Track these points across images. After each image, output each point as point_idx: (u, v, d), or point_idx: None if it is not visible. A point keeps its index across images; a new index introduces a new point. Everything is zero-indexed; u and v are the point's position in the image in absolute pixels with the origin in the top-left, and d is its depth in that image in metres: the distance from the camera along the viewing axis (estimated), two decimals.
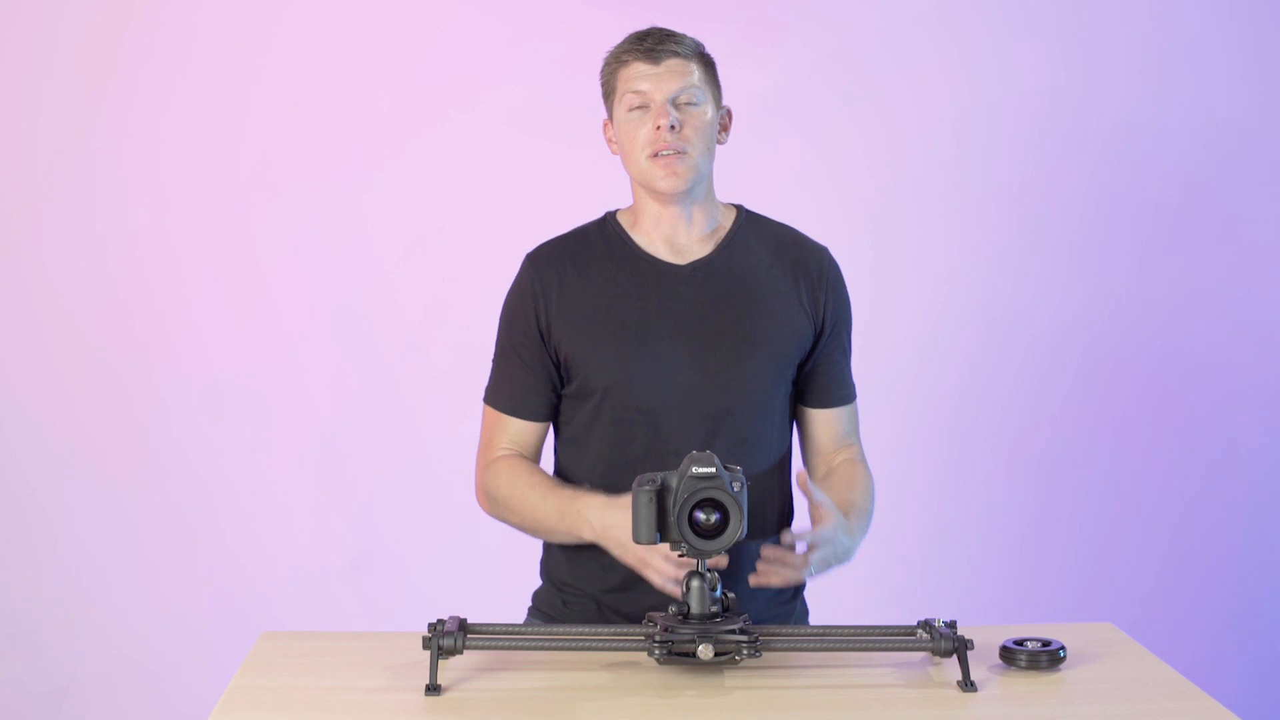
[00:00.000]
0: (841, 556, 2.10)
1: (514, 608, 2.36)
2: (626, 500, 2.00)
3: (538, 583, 2.36)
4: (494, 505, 2.25)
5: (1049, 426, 3.58)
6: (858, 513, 2.19)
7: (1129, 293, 3.56)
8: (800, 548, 2.07)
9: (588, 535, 2.12)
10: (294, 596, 3.48)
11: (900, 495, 3.51)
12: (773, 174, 3.45)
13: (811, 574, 2.07)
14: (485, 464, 2.27)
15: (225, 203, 3.45)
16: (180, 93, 3.42)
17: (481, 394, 2.30)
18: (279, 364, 3.47)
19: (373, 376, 3.50)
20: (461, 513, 3.24)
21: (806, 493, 2.06)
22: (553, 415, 2.28)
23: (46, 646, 3.47)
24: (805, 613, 2.35)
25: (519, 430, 2.26)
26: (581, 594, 2.25)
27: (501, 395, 2.26)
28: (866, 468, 2.30)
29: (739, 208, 2.32)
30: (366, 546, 3.50)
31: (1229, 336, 3.60)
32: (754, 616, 2.13)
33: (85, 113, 3.41)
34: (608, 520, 2.08)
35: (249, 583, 3.48)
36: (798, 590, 2.32)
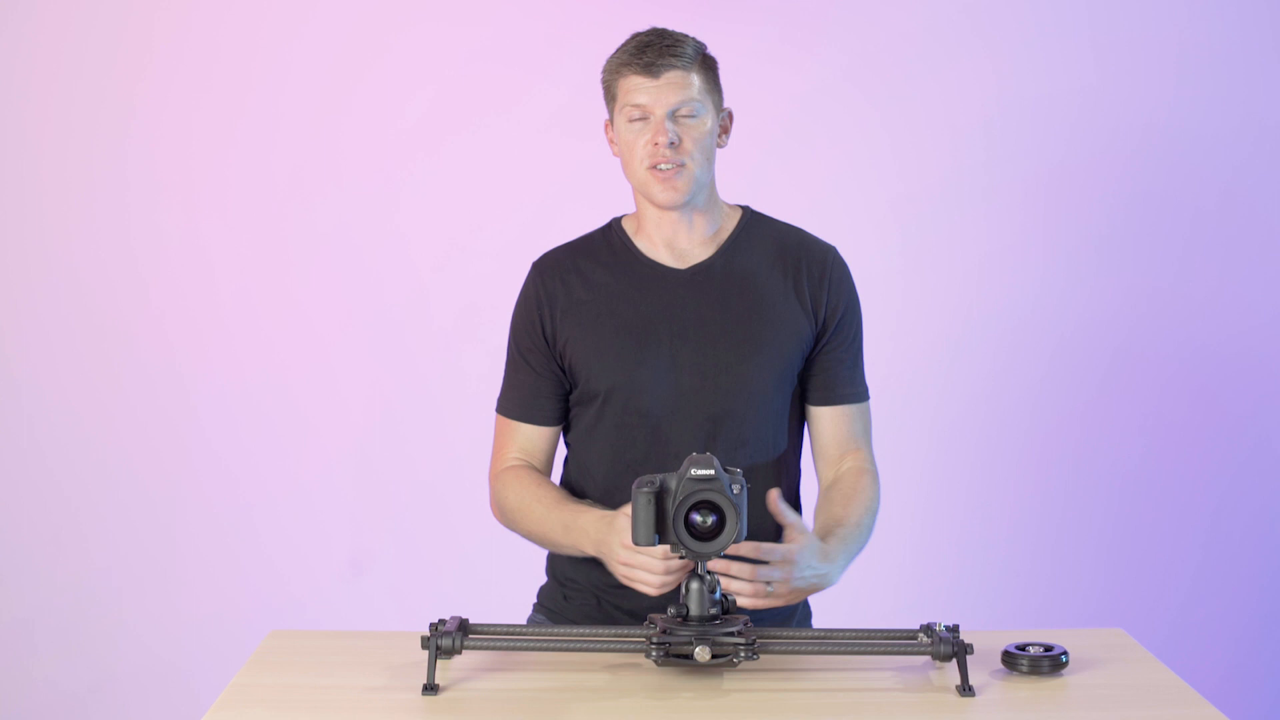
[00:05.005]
0: (815, 582, 2.06)
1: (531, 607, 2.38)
2: (622, 514, 2.02)
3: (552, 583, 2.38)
4: (504, 515, 2.29)
5: (1077, 429, 3.55)
6: (844, 533, 2.14)
7: (1161, 295, 3.52)
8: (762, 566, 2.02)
9: (588, 550, 2.13)
10: (325, 597, 3.50)
11: (928, 496, 3.52)
12: (804, 175, 3.45)
13: (770, 592, 2.00)
14: (495, 474, 2.30)
15: (258, 206, 3.48)
16: (212, 95, 3.45)
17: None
18: (310, 368, 3.50)
19: (405, 380, 3.52)
20: (488, 515, 3.26)
21: (776, 513, 2.05)
22: (562, 420, 2.30)
23: (80, 646, 3.51)
24: (808, 614, 2.34)
25: (529, 436, 2.29)
26: (582, 588, 2.27)
27: (512, 402, 2.30)
28: (873, 477, 2.27)
29: (744, 209, 2.32)
30: (397, 549, 3.52)
31: (1261, 340, 3.55)
32: (754, 617, 2.12)
33: (117, 117, 3.45)
34: (602, 534, 2.08)
35: (281, 584, 3.51)
36: None
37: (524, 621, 2.36)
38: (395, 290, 3.50)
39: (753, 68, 3.36)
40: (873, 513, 2.23)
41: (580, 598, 2.28)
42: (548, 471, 2.32)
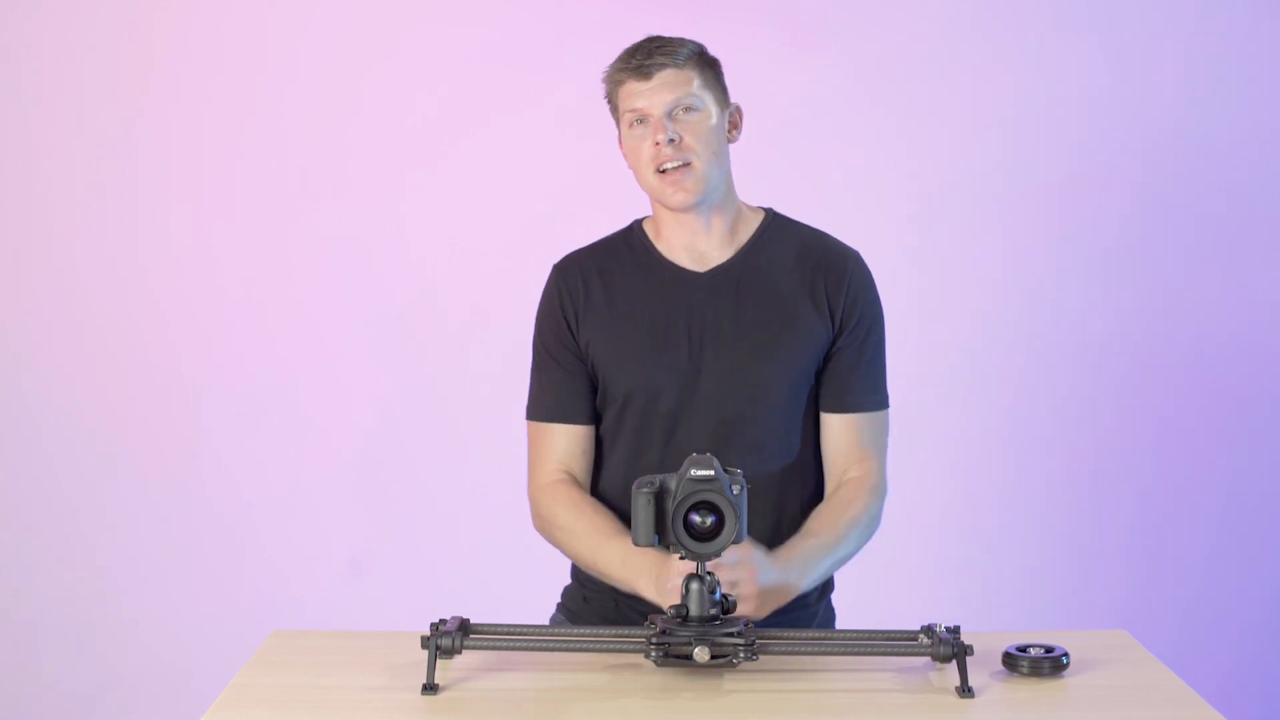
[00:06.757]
0: (781, 584, 2.08)
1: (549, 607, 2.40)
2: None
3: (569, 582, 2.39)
4: (550, 530, 2.25)
5: (1093, 433, 3.55)
6: (808, 544, 2.15)
7: (1174, 299, 3.52)
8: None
9: (643, 591, 2.10)
10: (326, 597, 3.50)
11: (946, 502, 3.52)
12: (816, 179, 3.44)
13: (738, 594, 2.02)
14: (540, 485, 2.26)
15: (263, 207, 3.48)
16: (216, 96, 3.46)
17: (524, 411, 2.32)
18: (313, 368, 3.50)
19: (407, 380, 3.52)
20: (495, 516, 3.25)
21: None
22: (595, 420, 2.28)
23: (83, 647, 3.52)
24: (832, 617, 2.35)
25: (567, 438, 2.27)
26: (601, 590, 2.27)
27: (544, 405, 2.28)
28: (873, 490, 2.24)
29: (768, 211, 2.31)
30: (397, 549, 3.53)
31: (1276, 343, 3.54)
32: (774, 618, 2.12)
33: (121, 119, 3.46)
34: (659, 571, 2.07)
35: (282, 584, 3.52)
36: (823, 592, 2.32)
37: (543, 621, 2.36)
38: (398, 291, 3.50)
39: (756, 68, 3.36)
40: (858, 524, 2.20)
41: (599, 599, 2.29)
42: (588, 477, 2.28)
